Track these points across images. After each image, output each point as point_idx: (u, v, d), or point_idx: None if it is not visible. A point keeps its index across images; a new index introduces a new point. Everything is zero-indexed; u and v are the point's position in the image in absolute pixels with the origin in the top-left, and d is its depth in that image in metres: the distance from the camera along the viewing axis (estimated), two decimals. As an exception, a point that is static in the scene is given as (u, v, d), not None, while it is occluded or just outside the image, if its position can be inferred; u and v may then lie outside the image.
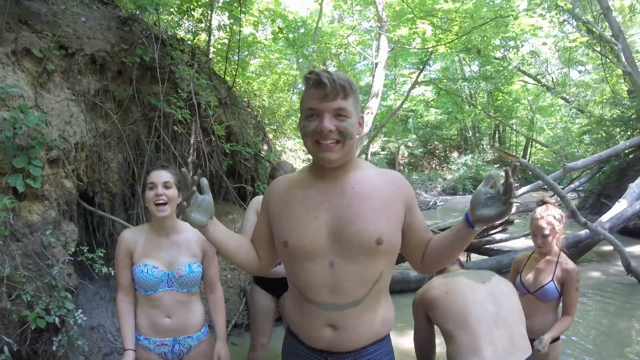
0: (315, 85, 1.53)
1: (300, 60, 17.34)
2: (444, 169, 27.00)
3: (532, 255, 3.31)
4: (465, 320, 2.40)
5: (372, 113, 12.55)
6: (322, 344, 1.70)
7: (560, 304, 3.15)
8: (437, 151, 29.60)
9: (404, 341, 4.49)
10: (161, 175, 2.46)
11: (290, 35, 15.24)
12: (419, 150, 27.38)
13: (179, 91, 5.06)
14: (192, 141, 5.23)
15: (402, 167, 25.96)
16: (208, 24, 6.93)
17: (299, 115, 1.69)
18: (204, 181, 1.64)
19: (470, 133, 29.92)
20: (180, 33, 7.22)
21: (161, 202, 2.41)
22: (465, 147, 28.79)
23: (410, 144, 26.98)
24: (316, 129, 1.54)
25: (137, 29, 4.84)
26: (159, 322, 2.45)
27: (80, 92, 4.23)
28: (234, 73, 6.85)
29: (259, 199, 3.62)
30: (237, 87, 7.62)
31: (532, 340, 3.15)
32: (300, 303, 1.72)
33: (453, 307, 2.48)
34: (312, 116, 1.57)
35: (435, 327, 2.69)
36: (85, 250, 3.61)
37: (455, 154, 28.21)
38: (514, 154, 28.22)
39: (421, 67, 19.06)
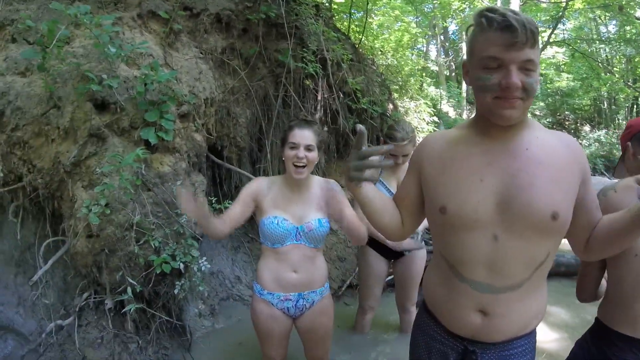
0: (502, 28, 1.26)
1: (419, 18, 16.66)
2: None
3: None
4: None
5: None
6: (467, 330, 1.52)
7: None
8: (567, 122, 27.31)
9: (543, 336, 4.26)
10: (305, 136, 2.40)
11: None
12: (547, 120, 25.47)
13: (308, 46, 5.01)
14: (319, 97, 5.18)
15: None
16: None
17: (466, 63, 1.43)
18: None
19: (606, 104, 27.33)
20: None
21: (301, 164, 2.37)
22: (598, 120, 26.40)
23: (537, 112, 25.22)
24: (500, 84, 1.28)
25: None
26: (285, 277, 2.46)
27: (207, 50, 4.35)
28: (360, 30, 6.69)
29: None
30: (362, 45, 7.46)
31: None
32: (450, 281, 1.52)
33: None
34: (494, 67, 1.30)
35: None
36: (213, 201, 3.74)
37: (587, 128, 25.91)
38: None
39: (553, 25, 17.51)
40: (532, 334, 1.60)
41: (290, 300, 2.49)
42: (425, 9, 15.40)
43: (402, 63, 10.53)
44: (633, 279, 1.70)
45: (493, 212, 1.40)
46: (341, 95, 5.45)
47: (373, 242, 3.51)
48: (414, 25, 16.67)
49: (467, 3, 15.97)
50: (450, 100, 18.26)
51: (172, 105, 3.39)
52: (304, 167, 2.38)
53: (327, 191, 2.51)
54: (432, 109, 14.99)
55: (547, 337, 3.96)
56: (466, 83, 1.49)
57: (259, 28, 4.71)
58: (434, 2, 14.19)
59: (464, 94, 19.38)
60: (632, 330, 1.71)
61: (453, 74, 25.98)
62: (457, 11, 17.70)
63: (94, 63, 3.27)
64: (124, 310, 3.18)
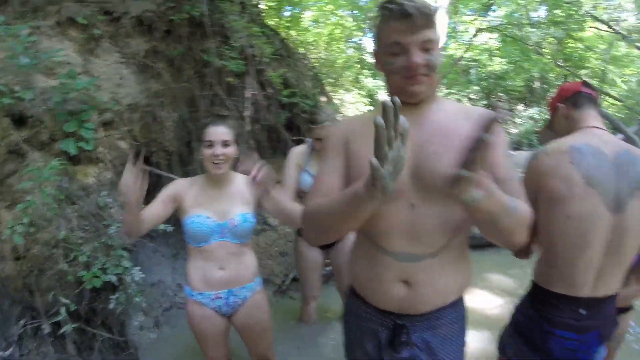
0: (399, 16, 1.35)
1: (356, 12, 16.81)
2: (508, 122, 25.96)
3: None
4: None
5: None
6: (393, 303, 1.51)
7: None
8: (501, 103, 28.38)
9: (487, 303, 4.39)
10: (219, 133, 2.38)
11: None
12: (482, 102, 26.34)
13: (231, 43, 4.92)
14: (247, 94, 5.11)
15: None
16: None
17: (375, 51, 1.51)
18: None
19: (537, 84, 28.45)
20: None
21: (219, 161, 2.35)
22: (531, 99, 27.44)
23: (472, 95, 26.00)
24: (404, 65, 1.38)
25: (183, -16, 4.74)
26: (213, 275, 2.43)
27: (130, 54, 4.24)
28: (291, 25, 6.68)
29: (298, 150, 3.50)
30: (292, 40, 7.44)
31: None
32: (372, 255, 1.52)
33: None
34: (397, 53, 1.39)
35: None
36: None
37: (520, 107, 26.96)
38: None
39: (485, 12, 18.06)
40: (459, 303, 1.61)
41: (221, 298, 2.46)
42: (360, 3, 15.49)
43: (336, 56, 10.59)
44: (566, 240, 1.74)
45: (408, 182, 1.42)
46: (271, 91, 5.39)
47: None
48: (350, 20, 16.87)
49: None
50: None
51: (92, 114, 3.28)
52: (222, 162, 2.36)
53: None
54: (369, 99, 15.22)
55: (490, 304, 4.11)
56: (377, 69, 1.51)
57: (182, 28, 4.61)
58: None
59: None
60: (569, 289, 1.76)
61: None
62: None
63: (10, 76, 3.12)
64: (61, 332, 3.05)
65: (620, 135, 7.17)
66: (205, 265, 2.43)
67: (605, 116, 6.47)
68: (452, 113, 1.49)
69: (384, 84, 15.45)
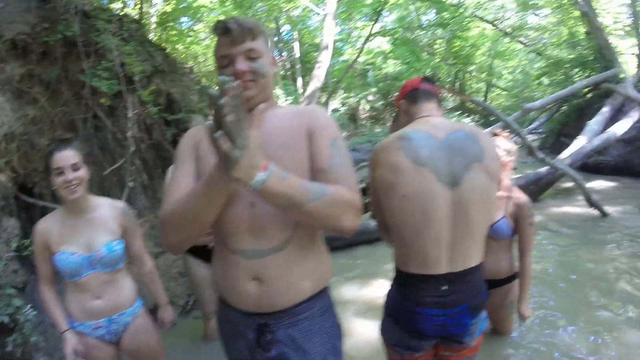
0: (223, 32, 1.52)
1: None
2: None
3: None
4: None
5: (323, 66, 12.07)
6: (250, 303, 1.54)
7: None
8: (226, 78, 29.58)
9: (364, 293, 4.57)
10: (66, 158, 2.30)
11: None
12: (380, 103, 27.23)
13: (104, 63, 4.76)
14: (129, 114, 4.97)
15: (363, 122, 25.81)
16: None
17: (215, 68, 1.62)
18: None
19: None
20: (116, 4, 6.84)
21: (73, 186, 2.30)
22: (451, 94, 28.74)
23: (370, 97, 26.79)
24: (232, 74, 1.48)
25: (59, 4, 4.56)
26: (90, 305, 2.39)
27: (4, 80, 4.03)
28: (178, 39, 6.59)
29: None
30: (178, 54, 7.32)
31: (488, 281, 3.18)
32: (224, 256, 1.57)
33: None
34: (226, 64, 1.53)
35: None
36: (27, 245, 3.48)
37: (417, 104, 28.11)
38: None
39: (375, 18, 18.71)
40: (323, 294, 1.64)
41: (102, 327, 2.43)
42: (258, 12, 15.53)
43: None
44: (408, 219, 1.82)
45: None
46: (153, 108, 5.24)
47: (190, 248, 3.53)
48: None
49: (292, 3, 16.36)
50: (288, 97, 18.73)
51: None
52: (76, 186, 2.31)
53: (124, 215, 2.54)
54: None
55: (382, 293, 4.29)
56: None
57: (58, 49, 4.44)
58: (260, 4, 14.37)
59: (300, 90, 19.94)
60: (425, 268, 1.83)
61: (289, 72, 26.58)
62: (287, 11, 18.11)
63: None
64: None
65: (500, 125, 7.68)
66: (82, 297, 2.39)
67: (481, 105, 6.87)
68: (284, 115, 1.60)
69: (283, 91, 15.66)
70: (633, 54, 16.32)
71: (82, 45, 4.61)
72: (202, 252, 3.57)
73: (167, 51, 6.29)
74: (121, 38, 5.13)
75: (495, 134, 3.12)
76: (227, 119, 1.13)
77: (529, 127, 15.05)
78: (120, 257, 2.46)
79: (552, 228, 6.60)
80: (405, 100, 2.09)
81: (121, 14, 5.80)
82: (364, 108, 27.12)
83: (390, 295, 2.00)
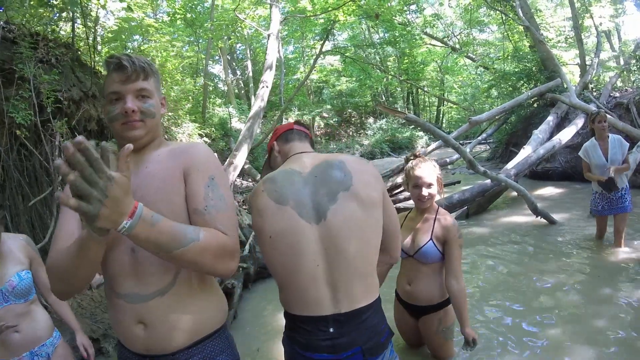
0: (116, 68, 1.51)
1: (201, 40, 16.76)
2: (361, 135, 27.21)
3: (408, 215, 3.12)
4: None
5: (267, 87, 11.84)
6: (139, 345, 1.51)
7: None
8: (353, 119, 29.82)
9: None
10: None
11: (189, 15, 14.70)
12: (334, 119, 27.49)
13: (21, 92, 4.52)
14: (56, 142, 4.74)
15: (319, 138, 25.96)
16: (72, 13, 6.31)
17: (103, 103, 1.61)
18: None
19: (384, 98, 30.36)
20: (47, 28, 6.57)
21: None
22: (380, 112, 29.21)
23: (325, 114, 27.02)
24: (120, 112, 1.51)
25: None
26: (9, 340, 2.29)
27: None
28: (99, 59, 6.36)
29: None
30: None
31: (420, 308, 3.07)
32: (111, 300, 1.54)
33: None
34: (115, 100, 1.53)
35: None
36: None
37: (370, 120, 28.55)
38: (420, 114, 29.09)
39: (325, 37, 18.88)
40: (215, 337, 1.60)
41: None
42: (201, 32, 15.48)
43: (168, 88, 10.48)
44: (279, 259, 1.72)
45: None
46: (84, 134, 5.01)
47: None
48: (197, 48, 16.71)
49: (238, 23, 16.33)
50: (241, 117, 18.68)
51: None
52: None
53: (28, 245, 2.53)
54: (220, 127, 15.19)
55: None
56: (106, 123, 1.55)
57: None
58: (208, 24, 14.34)
59: (248, 107, 20.04)
60: (307, 309, 1.70)
61: (242, 91, 26.56)
62: (232, 31, 18.02)
63: None
64: None
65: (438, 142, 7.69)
66: None
67: (415, 121, 6.87)
68: (165, 154, 1.59)
69: (236, 110, 15.52)
70: (576, 64, 17.06)
71: (7, 72, 4.41)
72: None
73: (100, 76, 6.02)
74: (48, 64, 4.90)
75: (416, 155, 3.03)
76: (68, 178, 1.08)
77: (478, 138, 15.37)
78: (31, 286, 2.40)
79: (499, 238, 6.60)
80: (278, 141, 2.06)
81: (50, 38, 5.53)
82: (319, 125, 27.31)
83: (283, 338, 1.87)
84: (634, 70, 13.40)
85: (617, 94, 11.83)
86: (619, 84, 13.06)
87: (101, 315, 4.37)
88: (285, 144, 2.03)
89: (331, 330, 1.67)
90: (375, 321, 1.75)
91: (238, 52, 27.61)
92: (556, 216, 7.19)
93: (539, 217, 7.14)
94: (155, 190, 1.49)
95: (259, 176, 10.79)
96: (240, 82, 27.34)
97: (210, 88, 19.17)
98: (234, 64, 27.62)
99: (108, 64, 1.55)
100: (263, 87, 11.72)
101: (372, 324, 1.73)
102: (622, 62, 16.10)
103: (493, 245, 6.25)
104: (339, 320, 1.67)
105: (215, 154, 1.78)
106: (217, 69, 27.17)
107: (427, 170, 2.89)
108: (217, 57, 24.62)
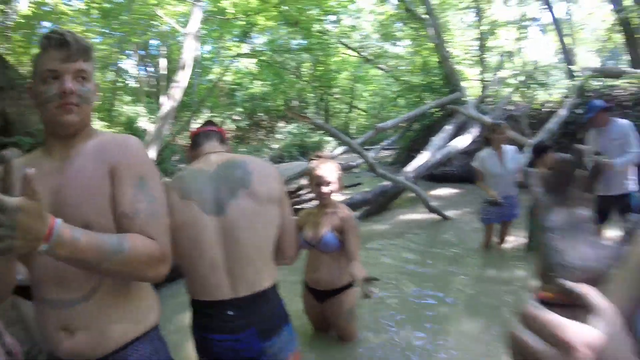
0: (58, 45, 1.40)
1: (117, 33, 16.19)
2: (271, 139, 27.35)
3: (312, 211, 3.39)
4: None
5: (179, 86, 11.79)
6: (66, 352, 1.43)
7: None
8: (263, 122, 29.91)
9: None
10: None
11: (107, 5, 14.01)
12: (245, 122, 27.48)
13: None
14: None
15: (229, 141, 25.66)
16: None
17: (30, 84, 1.47)
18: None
19: (296, 103, 30.73)
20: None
21: None
22: (290, 116, 29.52)
23: (236, 117, 26.93)
24: (57, 92, 1.39)
25: None
26: None
27: None
28: (20, 50, 6.11)
29: None
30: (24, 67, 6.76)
31: (324, 292, 3.36)
32: (36, 306, 1.48)
33: None
34: (53, 79, 1.40)
35: None
36: None
37: (281, 124, 28.75)
38: (330, 120, 29.76)
39: (242, 39, 18.90)
40: (144, 340, 1.53)
41: None
42: (124, 24, 14.84)
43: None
44: (183, 250, 1.88)
45: None
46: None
47: (17, 289, 3.32)
48: (111, 41, 16.07)
49: (156, 19, 15.94)
50: (151, 117, 18.19)
51: None
52: None
53: None
54: (127, 126, 14.68)
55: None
56: (33, 105, 1.50)
57: None
58: (124, 16, 13.85)
59: (158, 106, 19.46)
60: (208, 294, 1.90)
61: (153, 89, 25.71)
62: (155, 26, 17.60)
63: None
64: None
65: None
66: None
67: (321, 126, 7.21)
68: (92, 149, 1.47)
69: (146, 109, 14.80)
70: (479, 80, 18.47)
71: None
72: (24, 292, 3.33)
73: (8, 64, 5.72)
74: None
75: (319, 156, 3.31)
76: None
77: (382, 144, 16.33)
78: None
79: (398, 233, 7.20)
80: (190, 148, 2.21)
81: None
82: (230, 128, 27.13)
83: (191, 326, 2.03)
84: (528, 88, 14.76)
85: (512, 108, 12.93)
86: (516, 99, 14.28)
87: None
88: (195, 149, 2.16)
89: (230, 313, 1.86)
90: (271, 305, 1.97)
91: (152, 48, 26.64)
92: (450, 213, 7.94)
93: (434, 213, 7.84)
94: (80, 190, 1.39)
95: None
96: (152, 79, 26.50)
97: (121, 84, 18.60)
98: (147, 60, 26.65)
99: (48, 39, 1.42)
100: (176, 86, 11.57)
101: (268, 307, 1.94)
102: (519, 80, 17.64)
103: (392, 239, 6.77)
104: (237, 304, 1.87)
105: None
106: (128, 64, 25.94)
107: (328, 170, 3.17)
108: (130, 52, 23.64)
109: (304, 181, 8.66)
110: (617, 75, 11.53)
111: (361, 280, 2.86)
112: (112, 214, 1.41)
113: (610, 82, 11.33)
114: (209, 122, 2.26)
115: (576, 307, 0.51)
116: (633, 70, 10.73)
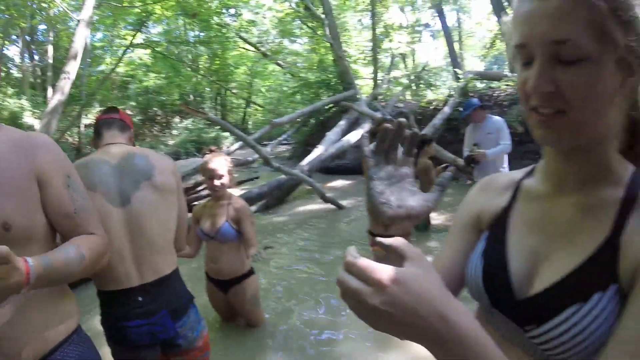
0: None
1: (3, 16, 15.01)
2: (166, 134, 26.67)
3: (206, 205, 3.53)
4: None
5: (69, 78, 10.94)
6: None
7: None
8: (158, 117, 29.02)
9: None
10: None
11: None
12: (138, 118, 26.51)
13: None
14: None
15: (132, 128, 24.65)
16: None
17: None
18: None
19: (192, 97, 30.12)
20: None
21: None
22: (186, 112, 28.84)
23: (129, 111, 25.90)
24: None
25: None
26: None
27: None
28: None
29: None
30: None
31: (226, 282, 3.53)
32: None
33: None
34: None
35: None
36: None
37: (177, 119, 28.05)
38: (227, 115, 29.54)
39: (137, 29, 18.29)
40: (72, 340, 1.48)
41: None
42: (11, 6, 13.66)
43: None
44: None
45: None
46: None
47: None
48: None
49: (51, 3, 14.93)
50: (36, 111, 17.02)
51: None
52: None
53: None
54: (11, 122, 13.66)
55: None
56: None
57: None
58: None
59: (45, 99, 18.17)
60: (117, 284, 1.94)
61: (39, 80, 23.53)
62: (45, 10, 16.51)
63: None
64: None
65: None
66: None
67: (215, 121, 7.39)
68: (6, 149, 1.35)
69: (30, 102, 13.63)
70: (372, 78, 19.47)
71: None
72: None
73: None
74: None
75: (211, 150, 3.48)
76: None
77: (278, 139, 16.83)
78: None
79: (296, 223, 7.58)
80: (93, 136, 2.23)
81: None
82: (122, 123, 26.01)
83: (101, 318, 2.04)
84: (418, 88, 15.81)
85: (402, 105, 13.81)
86: (408, 97, 15.21)
87: None
88: (97, 138, 2.17)
89: (140, 299, 1.94)
90: (177, 287, 2.10)
91: (39, 33, 24.28)
92: (344, 202, 8.55)
93: (328, 203, 8.39)
94: (5, 197, 1.27)
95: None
96: (38, 69, 24.05)
97: (2, 74, 17.22)
98: (32, 47, 24.28)
99: None
100: (65, 78, 10.86)
101: (174, 289, 2.07)
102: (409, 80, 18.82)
103: (290, 230, 7.12)
104: (146, 289, 1.96)
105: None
106: (12, 50, 23.65)
107: (219, 164, 3.31)
108: (14, 37, 21.70)
109: (200, 178, 8.83)
110: (497, 78, 12.72)
111: (257, 251, 3.09)
112: (36, 214, 1.35)
113: (492, 84, 12.46)
114: (111, 109, 2.25)
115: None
116: (511, 74, 11.82)
